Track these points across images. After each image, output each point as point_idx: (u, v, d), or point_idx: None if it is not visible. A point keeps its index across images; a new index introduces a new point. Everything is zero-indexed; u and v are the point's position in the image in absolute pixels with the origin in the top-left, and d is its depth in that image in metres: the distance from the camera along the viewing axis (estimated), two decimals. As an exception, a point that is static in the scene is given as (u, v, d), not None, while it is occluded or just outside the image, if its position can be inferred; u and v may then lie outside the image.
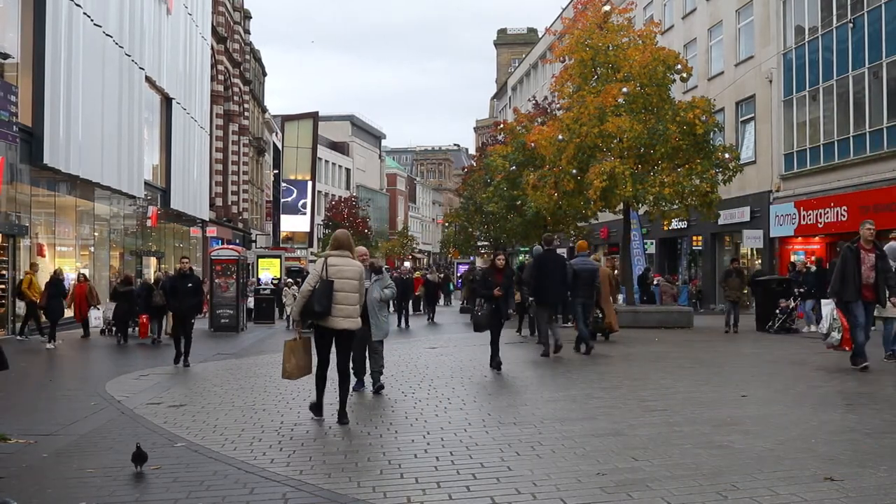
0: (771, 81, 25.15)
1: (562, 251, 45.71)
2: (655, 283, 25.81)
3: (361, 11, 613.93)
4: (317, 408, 7.40)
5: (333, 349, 7.40)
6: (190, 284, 12.71)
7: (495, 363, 10.87)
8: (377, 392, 9.01)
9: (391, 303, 20.47)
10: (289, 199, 51.55)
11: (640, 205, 21.59)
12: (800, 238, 24.22)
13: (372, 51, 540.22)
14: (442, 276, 38.42)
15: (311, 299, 7.09)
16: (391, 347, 15.49)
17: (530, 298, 13.81)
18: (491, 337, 10.96)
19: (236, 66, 45.63)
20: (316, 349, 7.41)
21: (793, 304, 17.65)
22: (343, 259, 7.25)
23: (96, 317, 19.60)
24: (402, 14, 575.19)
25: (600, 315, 15.06)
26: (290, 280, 27.02)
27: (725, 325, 18.19)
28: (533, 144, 24.09)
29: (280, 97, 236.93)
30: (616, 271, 23.09)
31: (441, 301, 33.31)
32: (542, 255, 12.96)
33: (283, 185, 52.13)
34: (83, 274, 20.00)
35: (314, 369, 7.43)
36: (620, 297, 19.82)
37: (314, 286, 7.11)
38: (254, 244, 49.46)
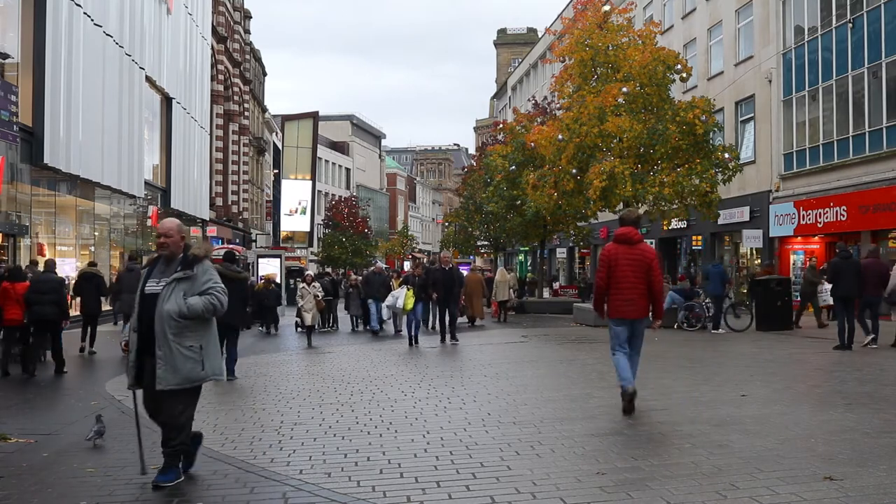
0: (770, 81, 25.13)
1: (562, 251, 46.27)
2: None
3: (373, 17, 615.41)
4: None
5: None
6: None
7: None
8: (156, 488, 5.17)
9: (411, 307, 18.19)
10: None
11: (640, 204, 21.59)
12: (799, 238, 24.20)
13: (378, 54, 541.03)
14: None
15: None
16: (390, 347, 15.52)
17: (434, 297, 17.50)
18: None
19: (236, 66, 45.66)
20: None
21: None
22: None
23: None
24: (410, 18, 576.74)
25: (464, 305, 20.15)
26: (307, 277, 22.28)
27: None
28: (533, 144, 24.10)
29: (288, 99, 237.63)
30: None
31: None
32: (434, 271, 17.46)
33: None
34: None
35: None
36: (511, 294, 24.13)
37: None
38: (254, 244, 49.48)
